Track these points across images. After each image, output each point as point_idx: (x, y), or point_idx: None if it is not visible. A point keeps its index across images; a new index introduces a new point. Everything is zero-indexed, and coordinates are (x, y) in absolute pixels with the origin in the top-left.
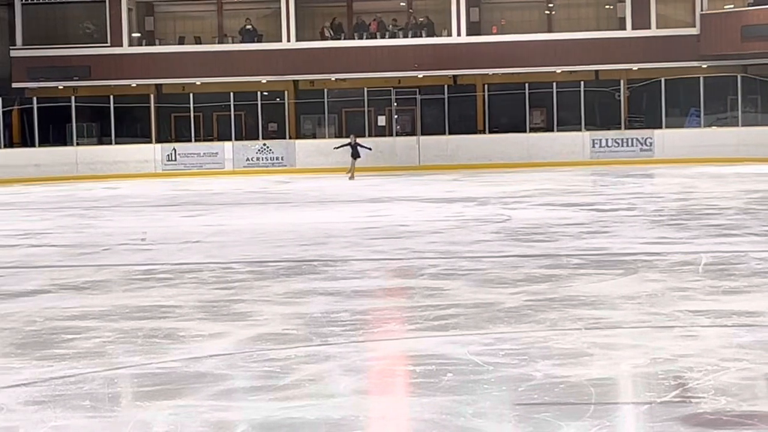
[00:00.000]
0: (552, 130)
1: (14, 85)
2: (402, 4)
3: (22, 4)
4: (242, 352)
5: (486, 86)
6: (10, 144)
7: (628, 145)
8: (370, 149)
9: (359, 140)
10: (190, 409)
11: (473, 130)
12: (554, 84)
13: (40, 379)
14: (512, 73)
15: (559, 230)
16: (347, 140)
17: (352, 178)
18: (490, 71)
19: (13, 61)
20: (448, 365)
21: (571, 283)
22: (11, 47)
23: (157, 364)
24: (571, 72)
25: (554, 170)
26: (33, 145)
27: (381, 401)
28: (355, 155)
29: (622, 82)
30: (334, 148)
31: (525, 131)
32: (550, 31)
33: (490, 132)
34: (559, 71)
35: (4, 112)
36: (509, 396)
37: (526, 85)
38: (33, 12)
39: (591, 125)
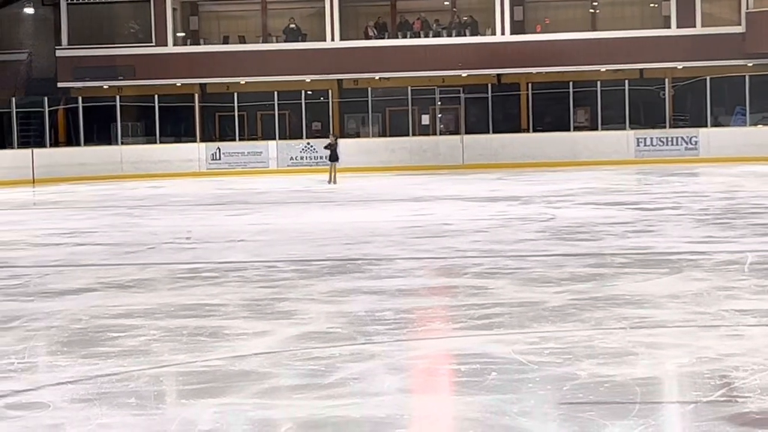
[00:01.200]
0: (596, 129)
1: (60, 84)
2: (446, 3)
3: (68, 4)
4: (287, 350)
5: (530, 85)
6: (55, 143)
7: (672, 144)
8: (336, 160)
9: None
10: (235, 407)
11: (517, 129)
12: (598, 83)
13: (86, 377)
14: (556, 72)
15: (604, 229)
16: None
17: (331, 182)
18: (534, 70)
19: (59, 61)
20: (493, 364)
21: (615, 282)
22: (57, 47)
23: (202, 363)
24: (615, 71)
25: (598, 169)
26: (78, 144)
27: (425, 400)
28: (334, 158)
29: (666, 80)
30: (324, 147)
31: (569, 130)
32: (594, 29)
33: (534, 131)
34: (603, 70)
35: (49, 112)
36: (554, 395)
37: (571, 83)
38: (78, 12)
39: (635, 124)
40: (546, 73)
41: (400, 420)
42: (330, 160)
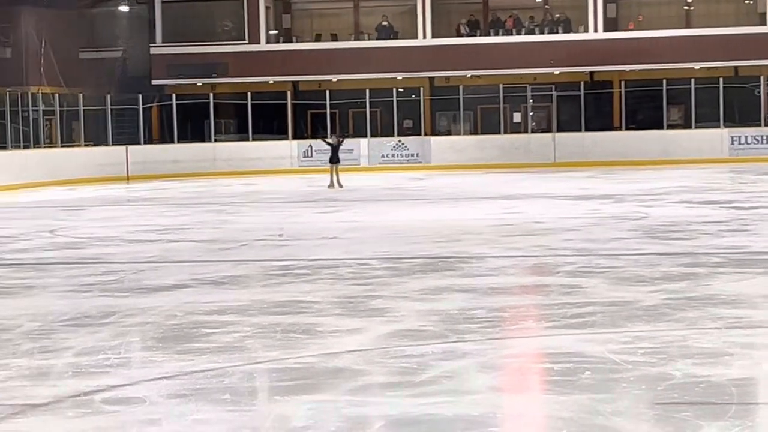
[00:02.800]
0: (690, 127)
1: (154, 82)
2: (538, 0)
3: (162, 2)
4: (379, 347)
5: (623, 83)
6: (149, 140)
7: None
8: (337, 162)
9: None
10: (328, 404)
11: (609, 127)
12: (692, 80)
13: (181, 373)
14: (650, 70)
15: (698, 228)
16: (333, 139)
17: (333, 186)
18: (627, 68)
19: (153, 59)
20: (586, 363)
21: (710, 282)
22: (151, 45)
23: (295, 359)
24: (709, 68)
25: (692, 167)
26: (172, 141)
27: (518, 399)
28: (335, 159)
29: (762, 78)
30: (330, 160)
31: (662, 128)
32: (688, 26)
33: (627, 129)
34: (697, 67)
35: (143, 109)
36: (648, 395)
37: (664, 81)
38: (172, 10)
39: (730, 122)
40: (639, 70)
41: (492, 419)
42: (330, 161)
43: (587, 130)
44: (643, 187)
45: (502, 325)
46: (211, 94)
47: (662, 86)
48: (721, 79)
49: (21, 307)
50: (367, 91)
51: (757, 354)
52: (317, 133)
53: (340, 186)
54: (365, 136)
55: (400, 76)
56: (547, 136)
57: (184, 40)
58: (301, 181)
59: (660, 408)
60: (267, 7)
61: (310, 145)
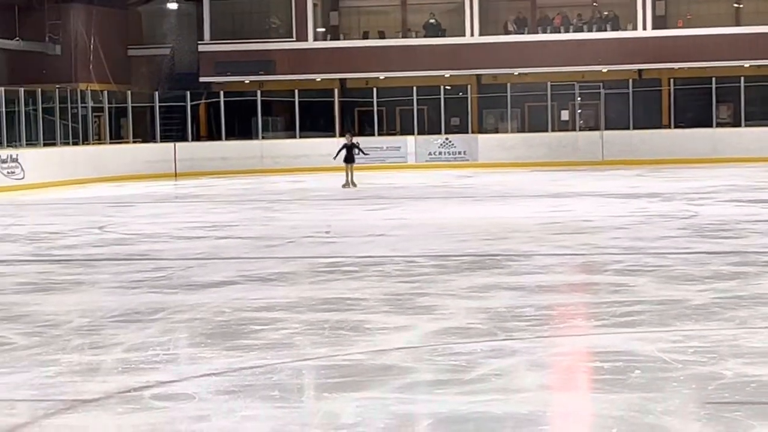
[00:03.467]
0: (739, 126)
1: (201, 79)
2: None
3: (210, 0)
4: (427, 345)
5: (672, 80)
6: (197, 137)
7: None
8: (367, 154)
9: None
10: (377, 401)
11: (658, 125)
12: (742, 78)
13: (230, 369)
14: (699, 68)
15: (748, 227)
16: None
17: (348, 185)
18: (676, 65)
19: (201, 56)
20: (636, 362)
21: (760, 281)
22: (199, 42)
23: (344, 356)
24: (759, 66)
25: (741, 166)
26: (219, 138)
27: (568, 397)
28: (350, 159)
29: None
30: (333, 158)
31: (711, 126)
32: (738, 24)
33: (676, 127)
34: (747, 65)
35: (191, 106)
36: (699, 394)
37: (713, 79)
38: (220, 7)
39: None
40: (688, 68)
41: (542, 417)
42: (345, 161)
43: (635, 128)
44: (691, 186)
45: (551, 323)
46: (259, 92)
47: (711, 84)
48: None
49: (70, 303)
50: (415, 88)
51: None
52: (364, 130)
53: (354, 185)
54: (412, 134)
55: (447, 73)
56: (594, 134)
57: (232, 38)
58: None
59: (711, 407)
60: (315, 5)
61: (357, 143)
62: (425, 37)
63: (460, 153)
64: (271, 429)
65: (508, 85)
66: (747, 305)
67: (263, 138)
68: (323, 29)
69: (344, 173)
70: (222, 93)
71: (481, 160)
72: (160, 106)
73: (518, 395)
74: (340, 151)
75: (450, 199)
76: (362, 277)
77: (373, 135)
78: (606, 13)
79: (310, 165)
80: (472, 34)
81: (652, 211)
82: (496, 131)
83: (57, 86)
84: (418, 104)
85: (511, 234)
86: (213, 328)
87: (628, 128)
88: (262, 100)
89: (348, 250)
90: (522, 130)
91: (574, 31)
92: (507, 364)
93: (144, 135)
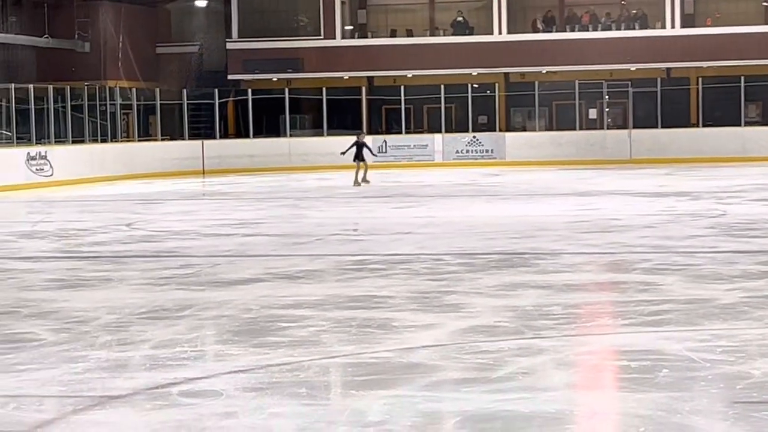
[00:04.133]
0: None
1: (230, 76)
2: None
3: None
4: (455, 343)
5: (700, 79)
6: (225, 135)
7: None
8: (375, 155)
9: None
10: (404, 399)
11: (686, 124)
12: None
13: (257, 366)
14: (727, 66)
15: None
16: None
17: (358, 183)
18: (705, 64)
19: (229, 54)
20: (664, 361)
21: None
22: (227, 40)
23: (371, 354)
24: None
25: None
26: (247, 136)
27: (595, 396)
28: (359, 156)
29: None
30: (341, 153)
31: (740, 125)
32: (766, 23)
33: (704, 126)
34: None
35: (219, 104)
36: (727, 394)
37: (742, 78)
38: (248, 5)
39: None
40: (716, 67)
41: (569, 416)
42: (356, 159)
43: (663, 126)
44: (720, 185)
45: (578, 322)
46: (287, 89)
47: (740, 83)
48: None
49: (99, 300)
50: (442, 86)
51: None
52: (391, 128)
53: (366, 182)
54: (440, 132)
55: (475, 71)
56: (622, 133)
57: (260, 35)
58: (375, 177)
59: (739, 407)
60: (342, 3)
61: (384, 141)
62: (453, 35)
63: (487, 151)
64: (298, 426)
65: (536, 83)
66: None
67: (291, 136)
68: (351, 27)
69: (353, 172)
70: (250, 91)
71: (509, 159)
72: (188, 104)
73: (545, 394)
74: (349, 148)
75: (477, 198)
76: (389, 275)
77: (400, 133)
78: (634, 11)
79: (338, 163)
80: (500, 32)
81: (681, 209)
82: (524, 129)
83: (86, 84)
84: (445, 102)
85: (539, 232)
86: (240, 325)
87: (656, 127)
88: (289, 98)
89: (375, 247)
90: (550, 129)
91: (603, 30)
92: (534, 363)
93: (172, 132)
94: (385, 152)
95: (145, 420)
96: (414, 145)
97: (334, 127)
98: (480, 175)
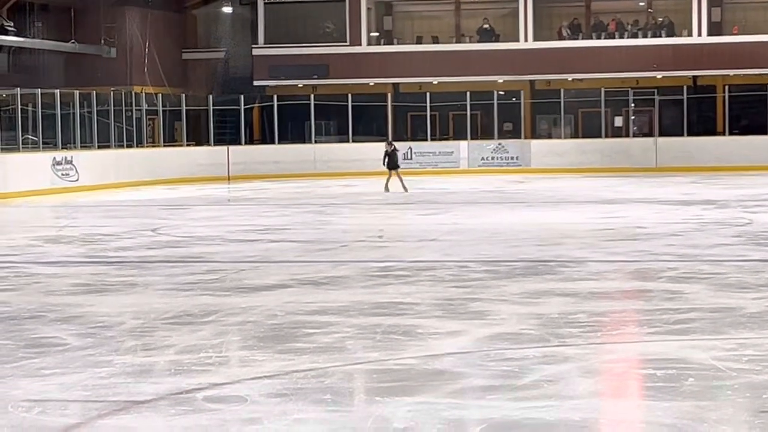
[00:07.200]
0: None
1: (255, 83)
2: (641, 3)
3: (265, 4)
4: (479, 350)
5: (726, 87)
6: (250, 141)
7: None
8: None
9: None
10: (429, 406)
11: (713, 132)
12: None
13: (282, 372)
14: (754, 74)
15: None
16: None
17: (388, 190)
18: (732, 72)
19: (255, 60)
20: (690, 370)
21: None
22: (253, 46)
23: (396, 361)
24: None
25: None
26: (273, 142)
27: (621, 404)
28: (392, 165)
29: None
30: (383, 164)
31: (766, 134)
32: None
33: (730, 134)
34: None
35: (245, 110)
36: (753, 403)
37: None
38: (274, 11)
39: None
40: (743, 75)
41: (594, 424)
42: (388, 167)
43: (690, 134)
44: (746, 193)
45: (604, 330)
46: (312, 96)
47: (766, 91)
48: None
49: (124, 305)
50: (468, 93)
51: None
52: (417, 135)
53: (387, 190)
54: (465, 139)
55: (500, 78)
56: (648, 141)
57: (286, 42)
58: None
59: (765, 416)
60: (368, 9)
61: (410, 147)
62: (479, 42)
63: (512, 158)
64: None
65: (562, 90)
66: None
67: (316, 142)
68: (377, 34)
69: (384, 179)
70: (275, 97)
71: (534, 166)
72: (214, 110)
73: (570, 402)
74: (384, 158)
75: (502, 205)
76: (414, 282)
77: (425, 140)
78: (661, 19)
79: (363, 169)
80: (526, 40)
81: (707, 218)
82: (549, 137)
83: (112, 89)
84: (471, 109)
85: (564, 240)
86: (265, 331)
87: (682, 135)
88: (315, 104)
89: (400, 254)
90: (575, 136)
91: (629, 37)
92: (559, 371)
93: (198, 138)
94: (411, 159)
95: (170, 425)
96: (439, 152)
97: (359, 134)
98: (505, 182)
